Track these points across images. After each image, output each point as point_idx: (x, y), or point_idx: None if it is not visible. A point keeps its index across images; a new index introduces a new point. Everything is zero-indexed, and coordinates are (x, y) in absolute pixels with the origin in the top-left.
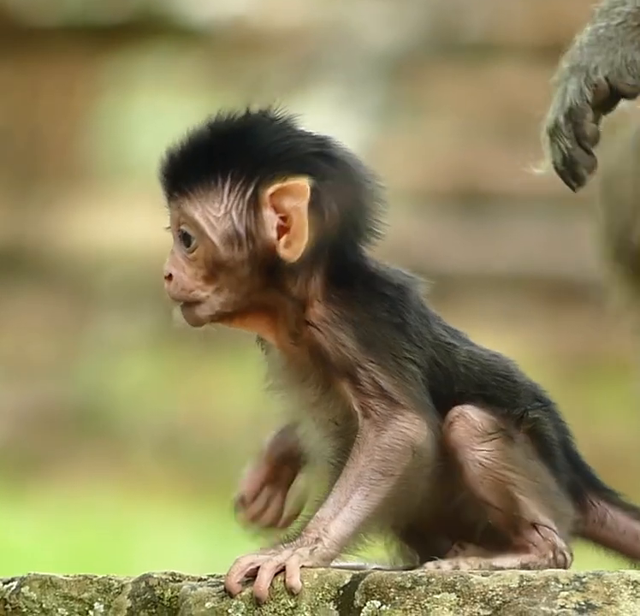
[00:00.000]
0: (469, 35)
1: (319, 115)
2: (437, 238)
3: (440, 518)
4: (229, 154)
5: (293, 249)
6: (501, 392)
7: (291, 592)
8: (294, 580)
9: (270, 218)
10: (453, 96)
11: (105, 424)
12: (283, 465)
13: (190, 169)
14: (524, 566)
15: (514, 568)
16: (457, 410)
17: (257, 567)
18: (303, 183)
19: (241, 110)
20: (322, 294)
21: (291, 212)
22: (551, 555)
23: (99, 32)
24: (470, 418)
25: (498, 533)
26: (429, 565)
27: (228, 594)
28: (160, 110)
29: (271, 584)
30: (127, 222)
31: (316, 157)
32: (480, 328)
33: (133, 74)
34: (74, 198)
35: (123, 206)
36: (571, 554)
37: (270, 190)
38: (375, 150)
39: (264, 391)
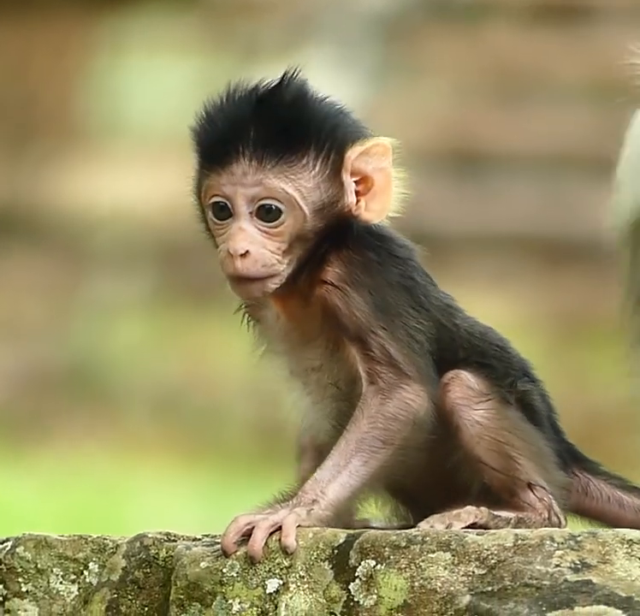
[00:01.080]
0: None
1: (314, 76)
2: (432, 198)
3: (435, 480)
4: (306, 124)
5: (377, 210)
6: (497, 361)
7: (285, 551)
8: (290, 539)
9: (349, 183)
10: (448, 56)
11: (100, 385)
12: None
13: (270, 143)
14: (520, 520)
15: (511, 520)
16: (452, 372)
17: (254, 527)
18: (386, 143)
19: (266, 80)
20: (341, 254)
21: (374, 174)
22: (546, 515)
23: None
24: (465, 379)
25: (493, 495)
26: (423, 524)
27: (223, 553)
28: (154, 71)
29: (266, 544)
30: (121, 183)
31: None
32: (475, 289)
33: (127, 34)
34: (68, 159)
35: (117, 167)
36: (565, 518)
37: (352, 154)
38: (370, 111)
39: (258, 358)
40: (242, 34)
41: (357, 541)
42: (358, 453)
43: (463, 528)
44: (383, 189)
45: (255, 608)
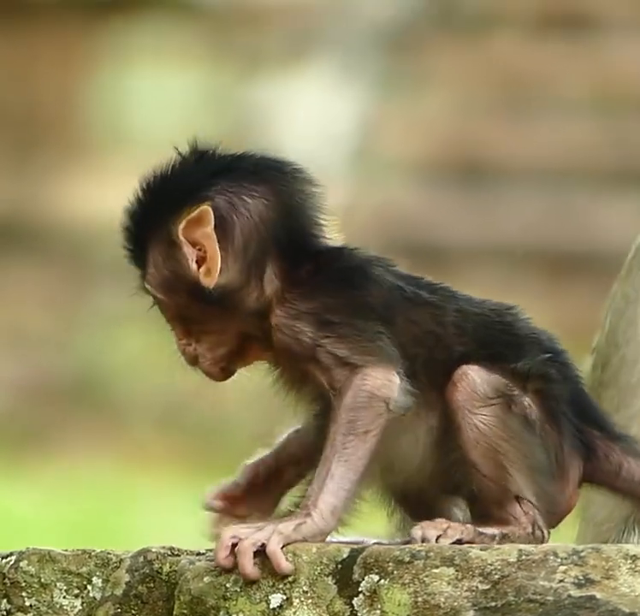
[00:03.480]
0: (468, 6)
1: (318, 88)
2: (436, 210)
3: (432, 476)
4: (144, 212)
5: (211, 274)
6: (503, 347)
7: (283, 576)
8: (283, 565)
9: (189, 253)
10: (453, 68)
11: (104, 396)
12: (288, 466)
13: (128, 246)
14: (505, 536)
15: (496, 537)
16: (461, 370)
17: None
18: (204, 207)
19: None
20: (279, 297)
21: (202, 240)
22: (530, 529)
23: (97, 3)
24: (471, 380)
25: (480, 504)
26: (415, 531)
27: (222, 569)
28: (158, 82)
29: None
30: (125, 194)
31: (214, 177)
32: None
33: (130, 45)
34: (72, 170)
35: (120, 178)
36: (549, 532)
37: (180, 226)
38: (374, 122)
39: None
40: (246, 45)
41: (360, 555)
42: (335, 456)
43: (450, 544)
44: (212, 252)
45: None
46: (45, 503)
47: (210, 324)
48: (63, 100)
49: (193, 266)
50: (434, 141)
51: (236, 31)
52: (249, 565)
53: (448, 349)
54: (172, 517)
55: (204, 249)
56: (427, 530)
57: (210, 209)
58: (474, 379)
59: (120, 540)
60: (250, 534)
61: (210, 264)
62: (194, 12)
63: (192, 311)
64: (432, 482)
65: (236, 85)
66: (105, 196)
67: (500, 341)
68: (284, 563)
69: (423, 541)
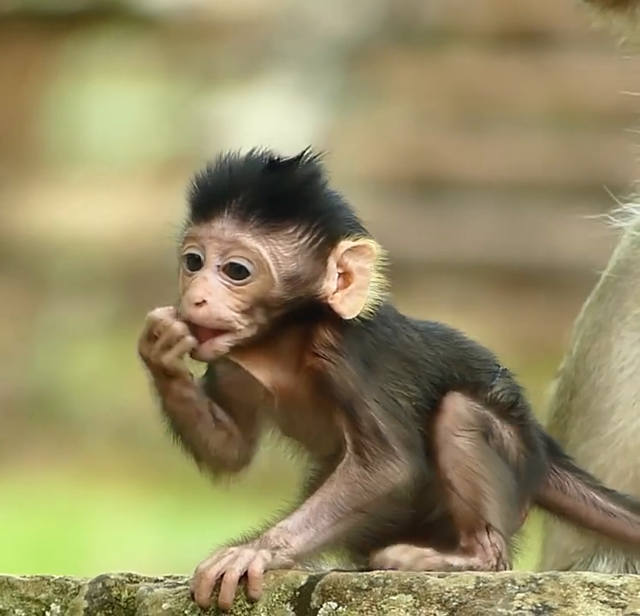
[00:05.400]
0: (425, 21)
1: (275, 102)
2: (393, 224)
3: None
4: (305, 199)
5: (350, 306)
6: (483, 374)
7: (251, 601)
8: (258, 591)
9: (333, 271)
10: (410, 82)
11: (60, 411)
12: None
13: (259, 205)
14: (470, 569)
15: (462, 568)
16: (448, 398)
17: (223, 576)
18: (373, 246)
19: (287, 154)
20: (327, 324)
21: (356, 271)
22: (494, 562)
23: (53, 17)
24: (457, 406)
25: (447, 529)
26: (389, 553)
27: (201, 608)
28: (113, 96)
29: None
30: (82, 208)
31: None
32: (436, 315)
33: (86, 59)
34: (28, 184)
35: (77, 192)
36: (512, 566)
37: (343, 246)
38: (331, 136)
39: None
40: (201, 59)
41: (318, 583)
42: (330, 515)
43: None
44: (360, 289)
45: None
46: (1, 518)
47: (271, 322)
48: (20, 114)
49: (332, 285)
50: (391, 156)
51: (192, 46)
52: (230, 596)
53: (432, 379)
54: (129, 530)
55: (351, 279)
56: (400, 554)
57: (375, 249)
58: (459, 404)
59: (77, 556)
60: (233, 565)
61: (355, 296)
62: (151, 27)
63: (280, 306)
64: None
65: (192, 100)
66: (62, 210)
67: (479, 368)
68: (260, 589)
69: (394, 566)
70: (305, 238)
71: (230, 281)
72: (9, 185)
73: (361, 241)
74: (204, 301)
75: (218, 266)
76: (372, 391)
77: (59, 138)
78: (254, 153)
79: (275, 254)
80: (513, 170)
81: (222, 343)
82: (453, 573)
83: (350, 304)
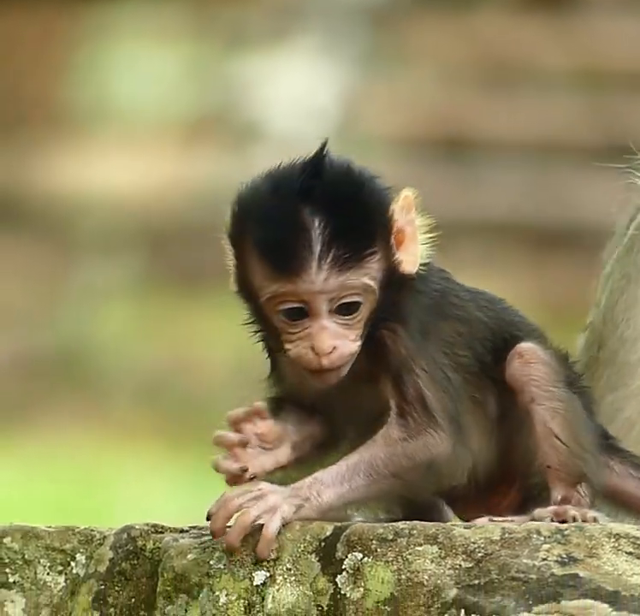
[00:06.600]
0: None
1: (301, 64)
2: (419, 185)
3: (486, 463)
4: (363, 211)
5: (411, 261)
6: (522, 337)
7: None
8: (266, 552)
9: (392, 241)
10: (436, 43)
11: (87, 371)
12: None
13: (339, 243)
14: (562, 521)
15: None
16: (524, 346)
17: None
18: (410, 195)
19: (310, 157)
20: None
21: (405, 226)
22: (586, 514)
23: None
24: (540, 355)
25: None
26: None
27: (211, 534)
28: (141, 58)
29: (252, 536)
30: (108, 169)
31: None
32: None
33: (113, 21)
34: (56, 145)
35: (104, 152)
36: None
37: (392, 211)
38: (357, 98)
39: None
40: (228, 21)
41: (344, 533)
42: (365, 474)
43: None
44: (412, 239)
45: (242, 600)
46: (28, 478)
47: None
48: (47, 77)
49: (397, 254)
50: (416, 117)
51: (220, 7)
52: (237, 539)
53: (481, 342)
54: (153, 490)
55: (402, 235)
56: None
57: (411, 194)
58: (542, 354)
59: (102, 514)
60: (255, 502)
61: (408, 250)
62: None
63: (378, 303)
64: (486, 466)
65: (219, 61)
66: (89, 171)
67: (520, 331)
68: (268, 550)
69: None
70: (378, 240)
71: (345, 320)
72: (38, 146)
73: (399, 197)
74: (335, 348)
75: (330, 311)
76: (422, 360)
77: (87, 99)
78: (282, 183)
79: (373, 274)
80: (539, 131)
81: (347, 368)
82: (479, 524)
83: (409, 258)
